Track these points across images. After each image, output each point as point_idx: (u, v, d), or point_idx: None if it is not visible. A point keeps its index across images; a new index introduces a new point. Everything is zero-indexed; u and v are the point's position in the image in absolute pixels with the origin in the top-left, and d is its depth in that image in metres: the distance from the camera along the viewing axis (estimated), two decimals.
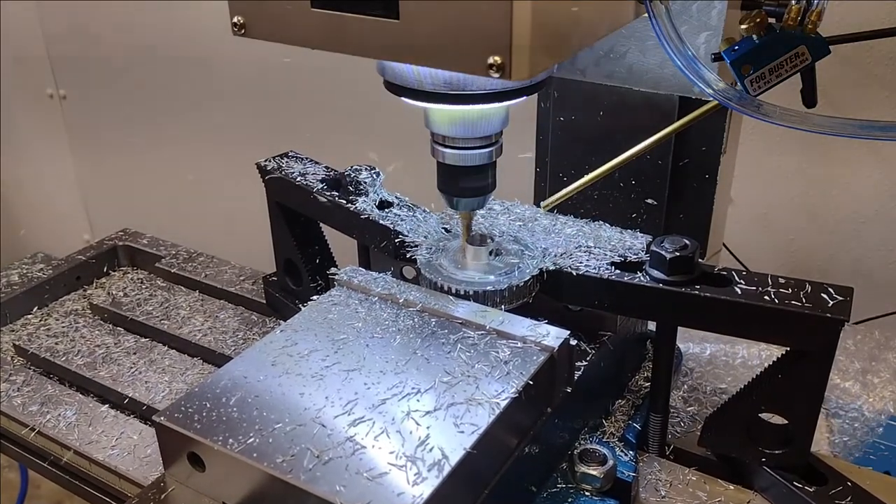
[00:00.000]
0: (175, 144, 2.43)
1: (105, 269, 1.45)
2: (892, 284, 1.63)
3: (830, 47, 0.85)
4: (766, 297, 0.83)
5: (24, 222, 2.90)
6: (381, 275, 0.96)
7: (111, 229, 1.54)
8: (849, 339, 1.25)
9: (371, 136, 2.05)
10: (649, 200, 1.19)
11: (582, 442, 0.94)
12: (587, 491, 0.87)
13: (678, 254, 0.86)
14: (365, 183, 1.08)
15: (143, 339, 1.24)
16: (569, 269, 0.92)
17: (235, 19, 0.78)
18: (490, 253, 0.96)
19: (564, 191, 1.07)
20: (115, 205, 2.72)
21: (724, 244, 1.38)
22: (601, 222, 1.04)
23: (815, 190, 1.65)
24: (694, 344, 1.21)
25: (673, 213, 1.20)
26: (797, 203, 1.67)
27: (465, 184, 0.91)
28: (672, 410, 1.07)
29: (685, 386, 1.12)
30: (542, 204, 1.08)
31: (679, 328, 0.95)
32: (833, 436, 1.07)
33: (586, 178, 1.05)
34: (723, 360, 1.18)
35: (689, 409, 1.06)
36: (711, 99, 0.86)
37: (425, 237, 1.01)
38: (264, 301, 1.30)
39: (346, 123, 2.09)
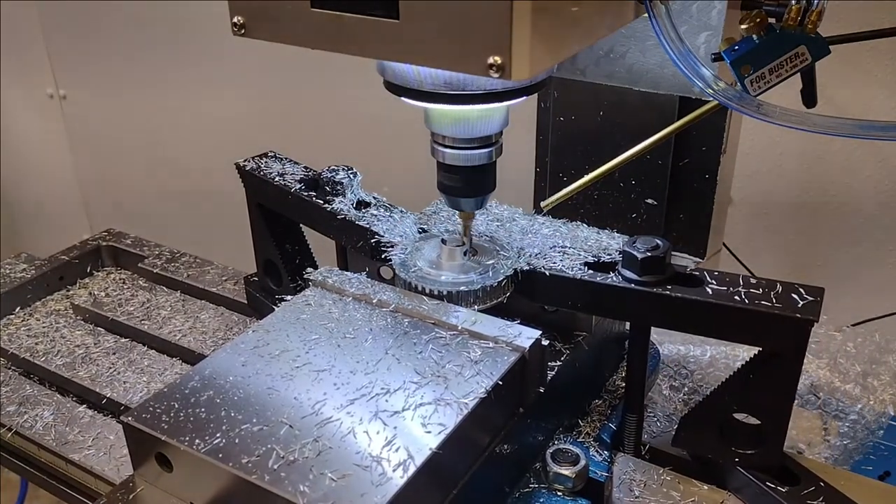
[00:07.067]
0: (176, 144, 2.43)
1: (88, 270, 1.45)
2: (892, 285, 1.63)
3: (830, 47, 0.85)
4: (737, 298, 0.83)
5: (24, 222, 2.90)
6: (355, 275, 0.96)
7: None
8: (849, 342, 1.25)
9: (361, 137, 2.06)
10: (649, 200, 1.19)
11: (556, 442, 0.94)
12: (559, 491, 0.87)
13: (649, 254, 0.86)
14: (342, 183, 1.08)
15: (124, 340, 1.24)
16: (542, 270, 0.92)
17: (235, 19, 0.78)
18: (465, 253, 0.96)
19: (564, 191, 1.07)
20: (114, 205, 2.72)
21: (724, 244, 1.39)
22: (578, 222, 1.04)
23: (814, 189, 1.65)
24: (694, 346, 1.20)
25: (673, 213, 1.20)
26: (797, 203, 1.67)
27: (465, 184, 0.91)
28: (650, 411, 1.07)
29: (685, 388, 1.12)
30: (542, 204, 1.08)
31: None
32: (833, 438, 1.07)
33: (586, 178, 1.05)
34: (723, 363, 1.18)
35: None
36: (711, 99, 0.86)
37: (401, 237, 1.01)
38: (246, 301, 1.30)
39: (338, 124, 2.09)
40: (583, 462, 0.88)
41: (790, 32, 0.85)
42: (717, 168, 1.15)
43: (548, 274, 0.91)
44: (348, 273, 0.97)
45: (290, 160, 1.20)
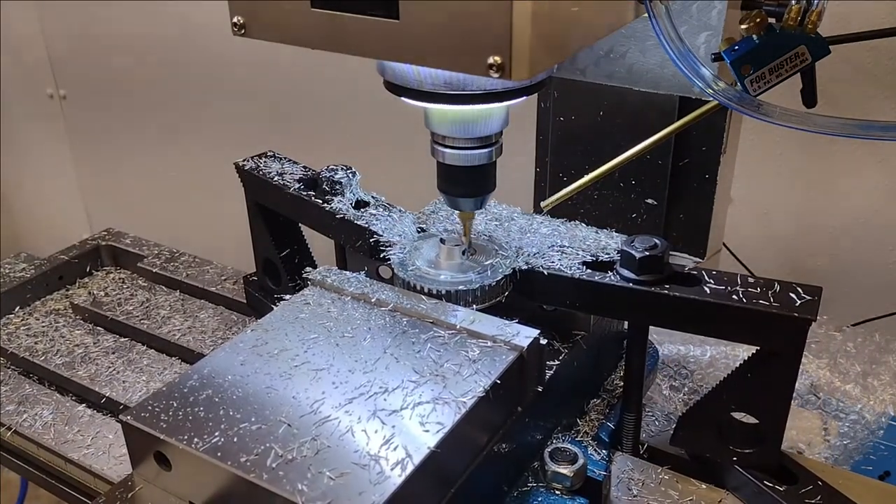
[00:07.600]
0: (175, 144, 2.44)
1: (88, 269, 1.45)
2: (892, 285, 1.63)
3: (830, 47, 0.85)
4: (734, 297, 0.83)
5: (24, 222, 2.91)
6: (354, 274, 0.96)
7: None
8: (849, 342, 1.25)
9: (359, 136, 2.06)
10: (649, 200, 1.19)
11: (554, 441, 0.94)
12: (557, 490, 0.87)
13: (647, 253, 0.86)
14: (341, 183, 1.08)
15: (123, 339, 1.24)
16: (540, 269, 0.92)
17: (235, 19, 0.78)
18: (464, 253, 0.96)
19: (564, 191, 1.07)
20: (115, 205, 2.72)
21: (724, 244, 1.39)
22: (577, 222, 1.04)
23: (815, 190, 1.64)
24: (694, 346, 1.21)
25: (673, 213, 1.20)
26: (797, 203, 1.67)
27: (465, 184, 0.91)
28: (649, 411, 1.07)
29: (685, 388, 1.12)
30: (542, 204, 1.08)
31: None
32: (833, 438, 1.07)
33: (586, 178, 1.05)
34: (723, 363, 1.18)
35: None
36: (711, 99, 0.86)
37: (400, 237, 1.01)
38: (245, 301, 1.30)
39: (337, 124, 2.09)
40: (581, 461, 0.88)
41: (790, 32, 0.85)
42: (717, 168, 1.15)
43: (546, 273, 0.92)
44: (347, 272, 0.97)
45: (289, 160, 1.20)
